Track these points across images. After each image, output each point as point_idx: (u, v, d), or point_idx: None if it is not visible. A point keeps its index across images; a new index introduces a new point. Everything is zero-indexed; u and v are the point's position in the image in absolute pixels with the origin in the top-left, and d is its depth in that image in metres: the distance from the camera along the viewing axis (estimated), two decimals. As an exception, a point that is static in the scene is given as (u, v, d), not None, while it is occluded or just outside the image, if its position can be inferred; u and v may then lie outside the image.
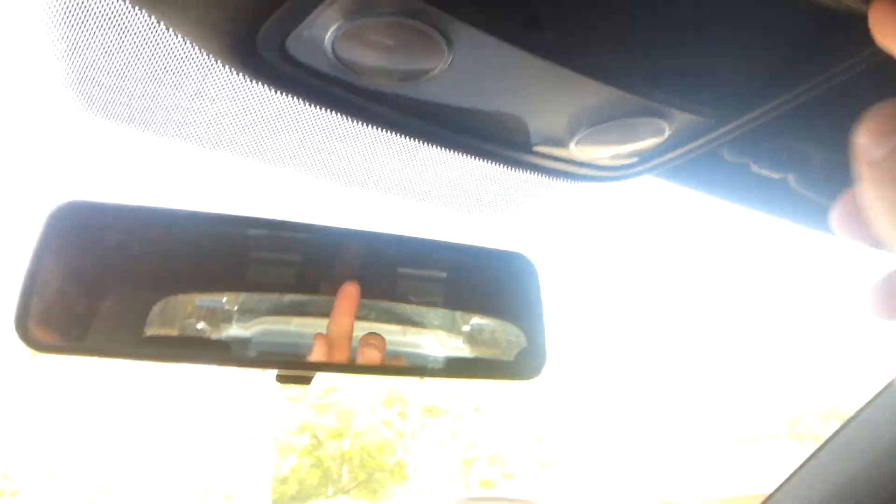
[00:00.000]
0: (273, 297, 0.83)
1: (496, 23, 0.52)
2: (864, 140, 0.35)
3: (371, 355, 0.79)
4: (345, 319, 0.80)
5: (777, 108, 0.65)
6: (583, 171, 0.73)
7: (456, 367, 0.93)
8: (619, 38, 0.57)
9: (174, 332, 0.81)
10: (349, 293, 0.80)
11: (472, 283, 0.92)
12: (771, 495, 1.32)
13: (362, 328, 0.82)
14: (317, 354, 0.77)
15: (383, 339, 0.81)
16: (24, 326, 0.65)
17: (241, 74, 0.58)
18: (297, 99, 0.60)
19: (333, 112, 0.62)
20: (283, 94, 0.59)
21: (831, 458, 1.25)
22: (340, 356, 0.79)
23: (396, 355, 0.86)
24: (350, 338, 0.80)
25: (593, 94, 0.60)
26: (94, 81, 0.65)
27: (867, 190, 0.35)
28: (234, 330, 0.82)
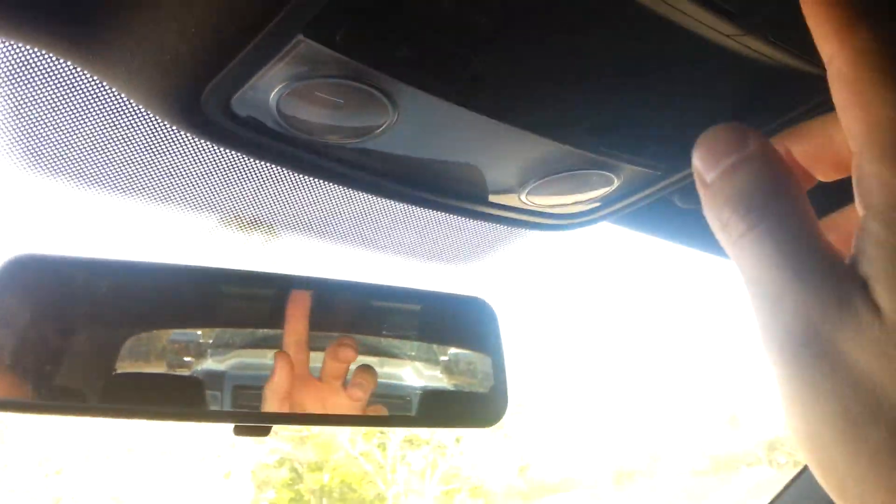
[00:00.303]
0: (231, 354, 0.82)
1: (438, 84, 0.53)
2: (698, 163, 0.37)
3: (356, 394, 0.78)
4: (299, 326, 0.79)
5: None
6: (536, 219, 0.73)
7: (430, 410, 0.92)
8: (563, 95, 0.57)
9: (129, 387, 0.79)
10: (298, 298, 0.78)
11: (434, 328, 0.92)
12: None
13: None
14: (280, 374, 0.76)
15: (374, 376, 0.81)
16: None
17: (185, 129, 0.58)
18: (245, 155, 0.60)
19: (282, 168, 0.62)
20: (231, 150, 0.59)
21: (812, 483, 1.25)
22: (302, 370, 0.77)
23: (375, 404, 0.85)
24: (307, 345, 0.79)
25: (539, 148, 0.61)
26: (41, 137, 0.65)
27: (705, 211, 0.37)
28: (191, 383, 0.81)
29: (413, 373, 0.86)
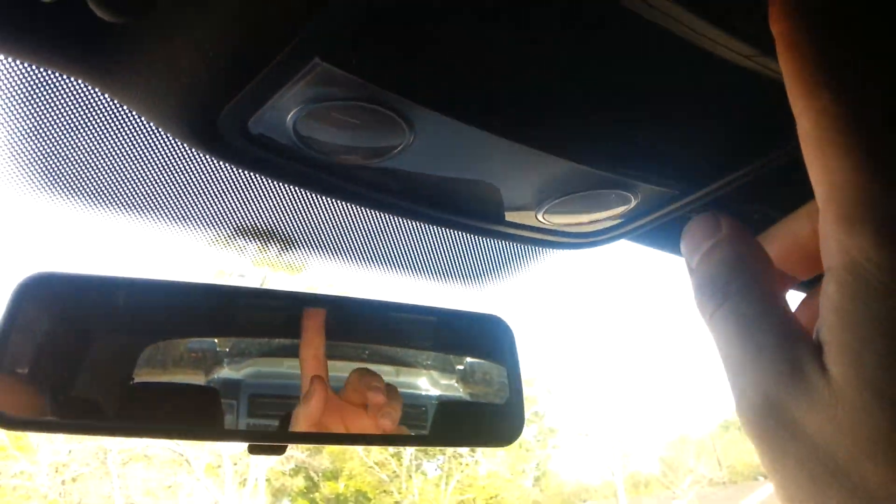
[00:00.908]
0: (253, 371, 0.82)
1: (453, 105, 0.52)
2: (683, 250, 0.41)
3: (385, 424, 0.79)
4: (316, 338, 0.80)
5: (741, 178, 0.65)
6: (553, 238, 0.73)
7: (447, 424, 0.92)
8: (579, 116, 0.57)
9: (146, 396, 0.80)
10: (313, 314, 0.79)
11: (450, 344, 0.91)
12: None
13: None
14: (316, 401, 0.76)
15: (400, 403, 0.81)
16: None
17: (204, 152, 0.58)
18: (262, 176, 0.60)
19: (299, 188, 0.62)
20: (248, 172, 0.60)
21: None
22: (320, 391, 0.77)
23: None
24: (325, 359, 0.79)
25: (555, 168, 0.60)
26: (60, 156, 0.65)
27: (693, 291, 0.39)
28: (207, 392, 0.81)
29: (429, 382, 0.86)
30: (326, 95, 0.51)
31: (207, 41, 0.49)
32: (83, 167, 0.65)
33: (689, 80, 0.56)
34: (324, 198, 0.66)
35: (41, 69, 0.56)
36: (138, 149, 0.62)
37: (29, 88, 0.59)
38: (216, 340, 0.82)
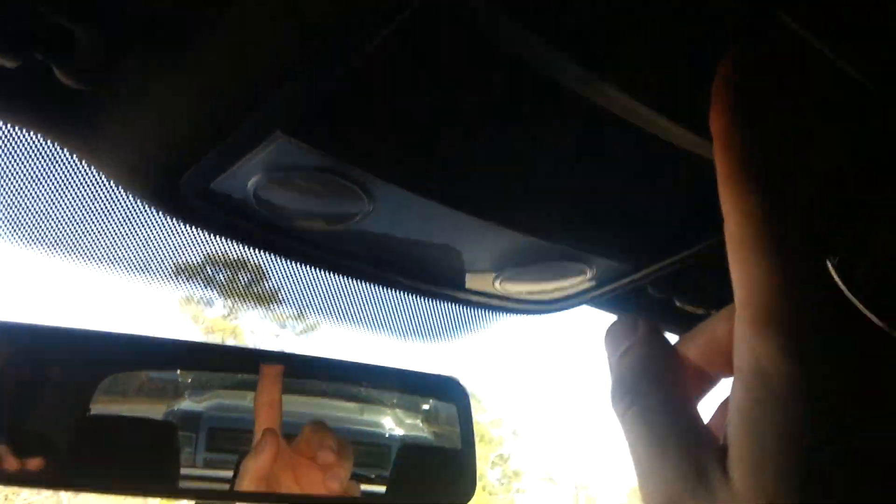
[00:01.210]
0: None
1: (412, 179, 0.53)
2: (605, 350, 0.41)
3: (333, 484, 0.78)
4: (272, 388, 0.78)
5: (694, 254, 0.66)
6: (512, 304, 0.74)
7: (406, 474, 0.90)
8: (535, 191, 0.58)
9: (101, 429, 0.78)
10: (271, 369, 0.78)
11: (409, 400, 0.91)
12: None
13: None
14: (265, 455, 0.75)
15: (350, 462, 0.80)
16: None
17: (164, 215, 0.58)
18: (221, 237, 0.61)
19: (261, 252, 0.62)
20: (210, 234, 0.60)
21: None
22: (271, 445, 0.76)
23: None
24: (279, 409, 0.78)
25: (512, 240, 0.61)
26: (21, 206, 0.65)
27: (609, 391, 0.40)
28: (165, 427, 0.80)
29: (393, 421, 0.85)
30: (287, 165, 0.52)
31: (171, 109, 0.49)
32: (42, 216, 0.65)
33: (643, 164, 0.57)
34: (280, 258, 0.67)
35: (5, 124, 0.57)
36: (98, 201, 0.62)
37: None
38: (178, 372, 0.81)
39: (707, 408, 0.39)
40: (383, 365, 0.82)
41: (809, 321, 0.31)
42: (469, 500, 0.86)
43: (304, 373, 0.83)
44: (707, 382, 0.41)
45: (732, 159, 0.35)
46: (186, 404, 0.82)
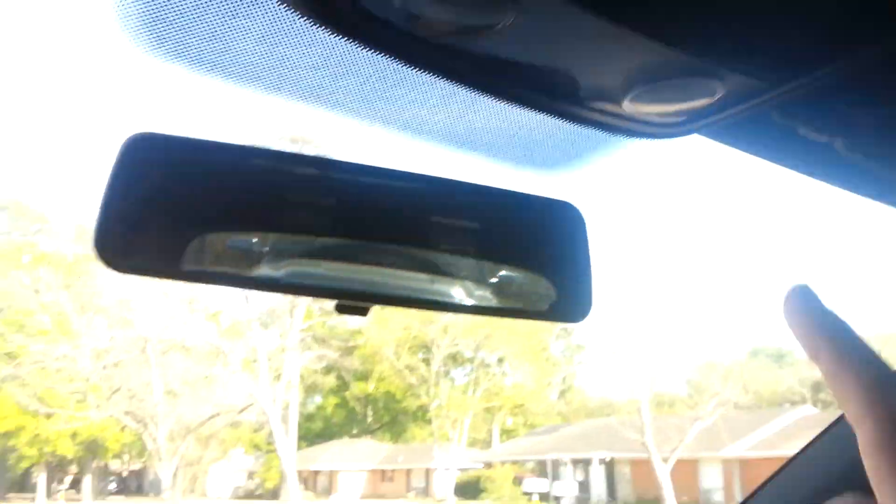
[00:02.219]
0: (309, 240, 0.83)
1: None
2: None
3: None
4: None
5: (831, 74, 0.66)
6: (634, 126, 0.74)
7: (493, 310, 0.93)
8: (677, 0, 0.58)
9: (235, 264, 0.82)
10: None
11: (514, 231, 0.92)
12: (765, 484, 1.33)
13: (391, 275, 0.83)
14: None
15: None
16: (102, 250, 0.69)
17: (311, 21, 0.60)
18: (364, 47, 0.62)
19: (397, 62, 0.64)
20: (352, 42, 0.62)
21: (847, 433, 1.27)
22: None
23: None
24: None
25: (649, 52, 0.62)
26: (165, 21, 0.68)
27: None
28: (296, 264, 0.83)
29: (463, 292, 0.86)
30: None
31: None
32: (187, 33, 0.68)
33: None
34: (407, 74, 0.68)
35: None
36: (242, 15, 0.65)
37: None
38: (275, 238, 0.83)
39: None
40: (491, 186, 0.83)
41: None
42: (582, 318, 0.88)
43: (406, 189, 0.84)
44: None
45: None
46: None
